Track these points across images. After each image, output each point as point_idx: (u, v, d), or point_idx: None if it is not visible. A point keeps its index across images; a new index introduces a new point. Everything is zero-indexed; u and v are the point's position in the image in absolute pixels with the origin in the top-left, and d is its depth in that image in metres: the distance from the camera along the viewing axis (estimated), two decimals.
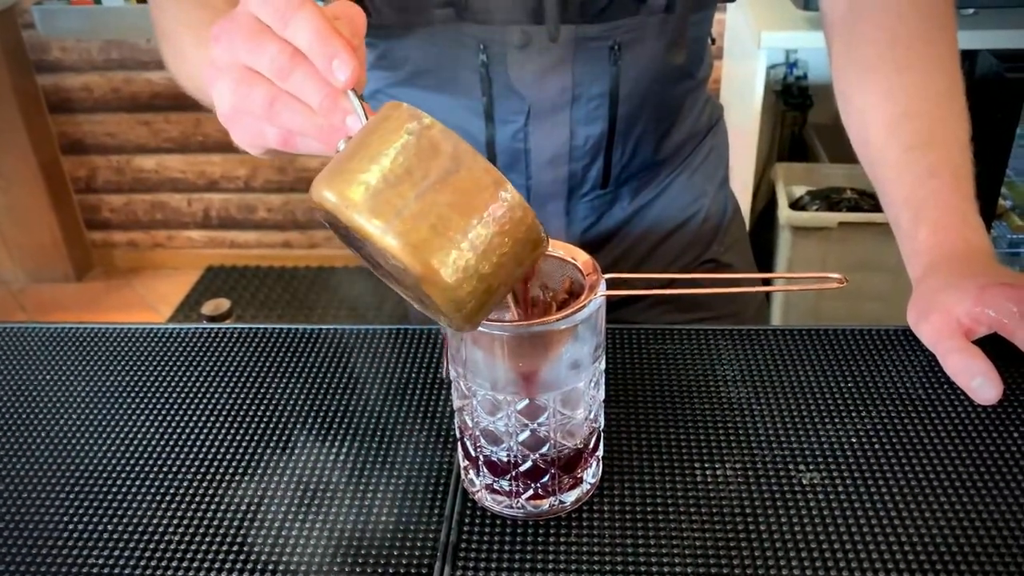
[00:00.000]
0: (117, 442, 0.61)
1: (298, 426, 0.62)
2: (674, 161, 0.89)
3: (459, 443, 0.54)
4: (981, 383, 0.59)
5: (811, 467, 0.57)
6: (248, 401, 0.65)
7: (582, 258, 0.51)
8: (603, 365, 0.52)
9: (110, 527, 0.54)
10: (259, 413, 0.63)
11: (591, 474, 0.54)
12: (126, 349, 0.71)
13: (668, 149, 0.87)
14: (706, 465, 0.57)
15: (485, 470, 0.52)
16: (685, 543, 0.52)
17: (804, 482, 0.56)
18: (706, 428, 0.60)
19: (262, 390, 0.66)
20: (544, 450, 0.51)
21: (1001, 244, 2.01)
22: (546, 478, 0.52)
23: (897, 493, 0.54)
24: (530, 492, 0.52)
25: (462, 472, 0.56)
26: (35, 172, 2.53)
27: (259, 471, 0.58)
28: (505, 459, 0.51)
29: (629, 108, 0.79)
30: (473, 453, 0.52)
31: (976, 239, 0.66)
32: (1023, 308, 0.59)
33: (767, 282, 0.68)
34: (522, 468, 0.51)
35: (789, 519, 0.53)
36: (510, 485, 0.52)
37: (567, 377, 0.49)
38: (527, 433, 0.50)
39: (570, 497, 0.53)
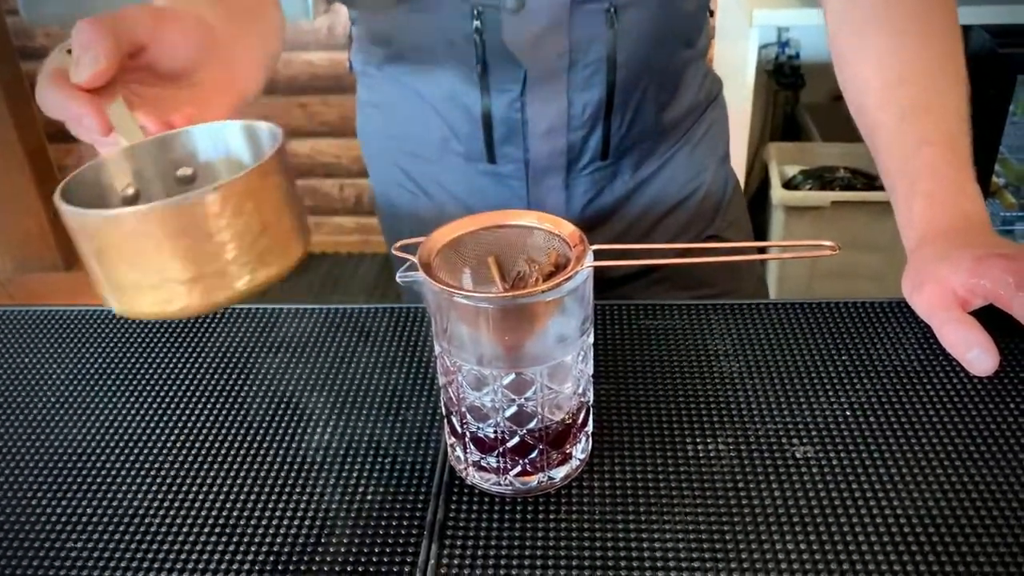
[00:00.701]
0: (97, 425, 0.60)
1: (283, 405, 0.61)
2: (675, 134, 0.87)
3: (445, 420, 0.53)
4: (977, 354, 0.58)
5: (804, 441, 0.56)
6: (232, 381, 0.63)
7: (567, 230, 0.50)
8: (591, 339, 0.51)
9: (90, 510, 0.53)
10: (244, 393, 0.62)
11: (580, 450, 0.53)
12: (106, 331, 0.69)
13: (668, 121, 0.85)
14: (698, 440, 0.56)
15: (472, 447, 0.51)
16: (677, 519, 0.51)
17: (797, 456, 0.55)
18: (698, 403, 0.59)
19: (247, 370, 0.64)
20: (532, 425, 0.49)
21: (995, 221, 2.00)
22: (534, 454, 0.51)
23: (892, 466, 0.53)
24: (518, 469, 0.51)
25: (449, 449, 0.55)
26: (21, 160, 2.50)
27: (243, 451, 0.57)
28: (492, 435, 0.50)
29: (627, 74, 0.77)
30: (459, 430, 0.51)
31: (972, 209, 0.65)
32: (1019, 279, 0.58)
33: (761, 251, 0.67)
34: (509, 444, 0.50)
35: (783, 493, 0.52)
36: (498, 462, 0.51)
37: (554, 351, 0.48)
38: (514, 408, 0.49)
39: (559, 473, 0.52)
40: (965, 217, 0.64)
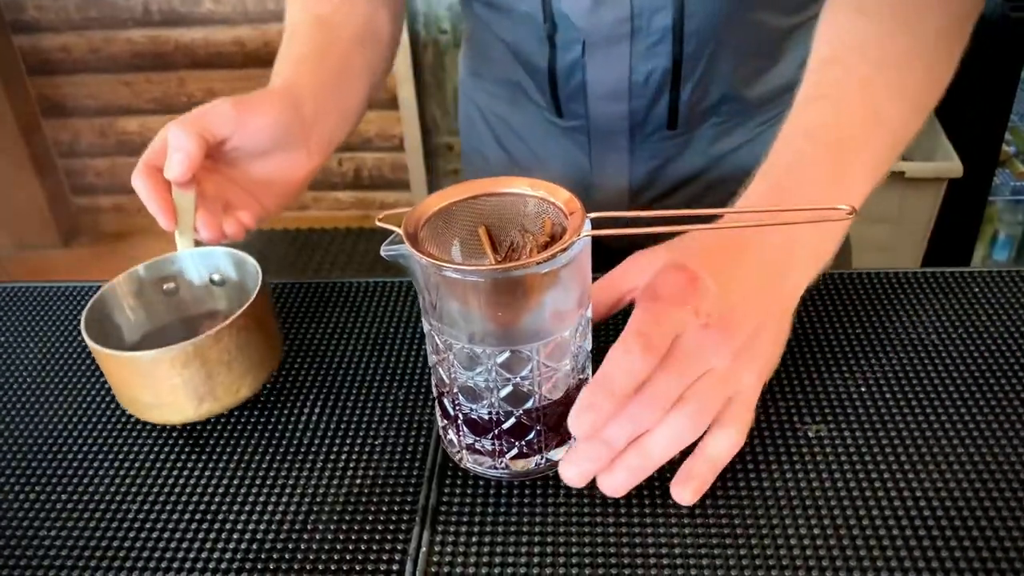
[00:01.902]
0: (73, 403, 0.57)
1: (268, 385, 0.58)
2: (768, 110, 0.78)
3: (436, 402, 0.50)
4: None
5: (817, 419, 0.53)
6: None
7: (563, 196, 0.47)
8: (590, 313, 0.48)
9: (58, 491, 0.51)
10: None
11: None
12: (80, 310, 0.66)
13: (758, 95, 0.77)
14: None
15: (465, 429, 0.48)
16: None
17: (810, 435, 0.52)
18: None
19: None
20: (528, 405, 0.47)
21: (1004, 191, 1.96)
22: (531, 435, 0.48)
23: (911, 444, 0.51)
24: (514, 451, 0.48)
25: (440, 433, 0.52)
26: (16, 137, 2.47)
27: (227, 432, 0.54)
28: (486, 416, 0.47)
29: (699, 45, 0.70)
30: (452, 411, 0.48)
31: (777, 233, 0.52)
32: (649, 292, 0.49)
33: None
34: (505, 426, 0.47)
35: (795, 473, 0.49)
36: (493, 444, 0.48)
37: (551, 326, 0.45)
38: (509, 388, 0.46)
39: (558, 455, 0.49)
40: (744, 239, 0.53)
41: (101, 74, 2.46)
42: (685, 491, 0.47)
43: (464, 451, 0.50)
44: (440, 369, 0.47)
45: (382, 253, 0.45)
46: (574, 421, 0.45)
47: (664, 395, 0.46)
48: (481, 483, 0.50)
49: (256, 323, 0.54)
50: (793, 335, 0.59)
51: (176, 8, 2.33)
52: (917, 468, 0.49)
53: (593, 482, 0.47)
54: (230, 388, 0.53)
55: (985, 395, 0.54)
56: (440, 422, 0.51)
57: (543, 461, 0.49)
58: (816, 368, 0.56)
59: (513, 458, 0.49)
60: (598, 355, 0.55)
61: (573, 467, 0.46)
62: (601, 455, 0.46)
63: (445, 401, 0.49)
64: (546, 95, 0.77)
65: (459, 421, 0.48)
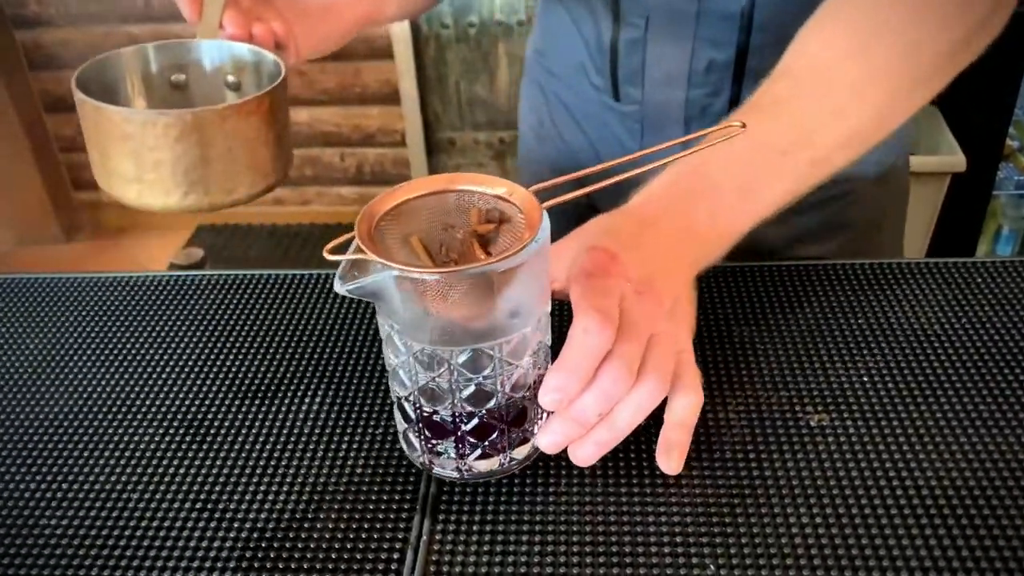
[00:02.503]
0: (74, 393, 0.57)
1: (269, 375, 0.58)
2: None
3: (395, 407, 0.49)
4: None
5: (819, 408, 0.53)
6: (219, 351, 0.60)
7: (517, 192, 0.46)
8: (549, 307, 0.47)
9: (59, 480, 0.50)
10: (232, 364, 0.59)
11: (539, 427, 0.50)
12: (92, 299, 0.66)
13: None
14: (707, 409, 0.53)
15: (427, 433, 0.47)
16: (684, 492, 0.48)
17: (812, 424, 0.52)
18: (707, 369, 0.56)
19: (233, 339, 0.61)
20: (491, 404, 0.46)
21: (1007, 186, 1.95)
22: (494, 435, 0.47)
23: (913, 434, 0.50)
24: (478, 452, 0.48)
25: (400, 438, 0.51)
26: (18, 132, 2.47)
27: (228, 423, 0.54)
28: (449, 418, 0.46)
29: (767, 39, 0.68)
30: (412, 415, 0.47)
31: (667, 223, 0.54)
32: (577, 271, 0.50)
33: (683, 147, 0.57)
34: (467, 427, 0.46)
35: (796, 463, 0.49)
36: (456, 447, 0.47)
37: (513, 323, 0.44)
38: (472, 388, 0.45)
39: (521, 453, 0.49)
40: (645, 222, 0.54)
41: None
42: (670, 461, 0.49)
43: (426, 455, 0.49)
44: (400, 372, 0.46)
45: (342, 290, 0.43)
46: (543, 398, 0.46)
47: (628, 365, 0.46)
48: None
49: (269, 115, 0.47)
50: (795, 324, 0.59)
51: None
52: (920, 457, 0.49)
53: (594, 472, 0.47)
54: (224, 182, 0.47)
55: (988, 385, 0.53)
56: (400, 427, 0.50)
57: (507, 461, 0.49)
58: (819, 357, 0.56)
59: (477, 459, 0.48)
60: (556, 348, 0.55)
61: (547, 437, 0.47)
62: (572, 431, 0.47)
63: (406, 405, 0.48)
64: (605, 75, 0.76)
65: (420, 425, 0.47)
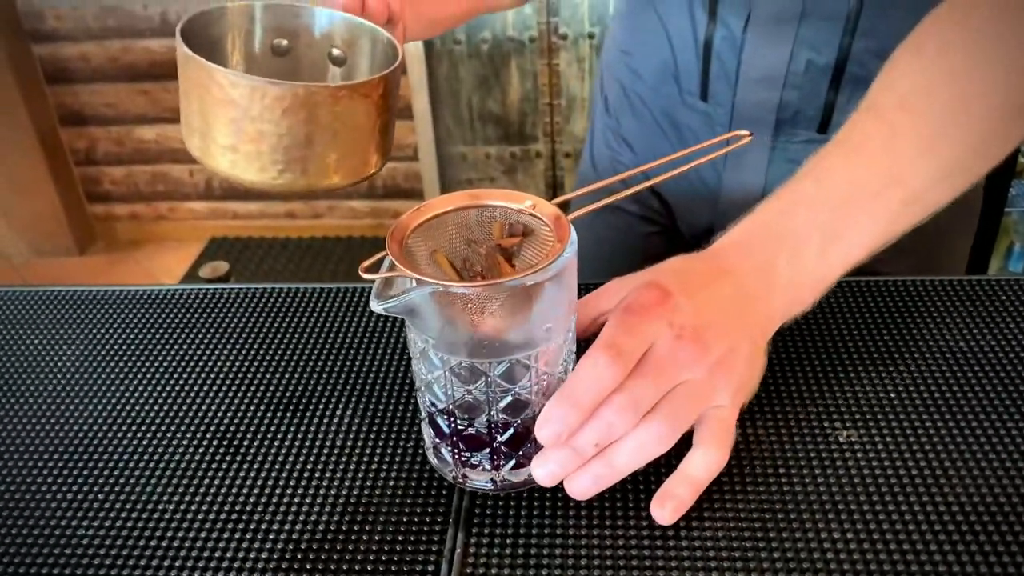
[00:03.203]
0: (107, 406, 0.58)
1: (301, 389, 0.59)
2: None
3: (425, 422, 0.50)
4: None
5: (848, 424, 0.53)
6: (249, 364, 0.61)
7: (525, 201, 0.47)
8: (575, 316, 0.48)
9: (95, 491, 0.51)
10: (261, 377, 0.60)
11: None
12: (118, 312, 0.67)
13: None
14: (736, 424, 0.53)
15: (462, 446, 0.48)
16: (716, 505, 0.48)
17: (841, 440, 0.52)
18: None
19: (264, 352, 0.62)
20: (526, 414, 0.47)
21: (1020, 203, 1.95)
22: (528, 444, 0.48)
23: (942, 450, 0.51)
24: (512, 462, 0.48)
25: (429, 453, 0.51)
26: (34, 144, 2.49)
27: (260, 436, 0.55)
28: (484, 430, 0.47)
29: (869, 44, 0.66)
30: (447, 429, 0.48)
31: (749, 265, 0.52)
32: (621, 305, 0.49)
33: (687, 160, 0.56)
34: (502, 437, 0.47)
35: (826, 479, 0.49)
36: (491, 458, 0.48)
37: (549, 332, 0.45)
38: (508, 398, 0.46)
39: None
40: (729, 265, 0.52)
41: (119, 83, 2.48)
42: (664, 511, 0.47)
43: (458, 468, 0.49)
44: (435, 386, 0.47)
45: (379, 309, 0.42)
46: (539, 432, 0.45)
47: (635, 402, 0.45)
48: None
49: (381, 101, 0.44)
50: (822, 340, 0.59)
51: None
52: (949, 474, 0.49)
53: (624, 486, 0.47)
54: (323, 166, 0.44)
55: (1016, 402, 0.54)
56: (429, 443, 0.51)
57: None
58: (846, 373, 0.57)
59: (511, 469, 0.49)
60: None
61: (541, 468, 0.46)
62: (569, 461, 0.46)
63: (438, 419, 0.48)
64: (694, 74, 0.74)
65: (454, 438, 0.48)
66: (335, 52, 0.50)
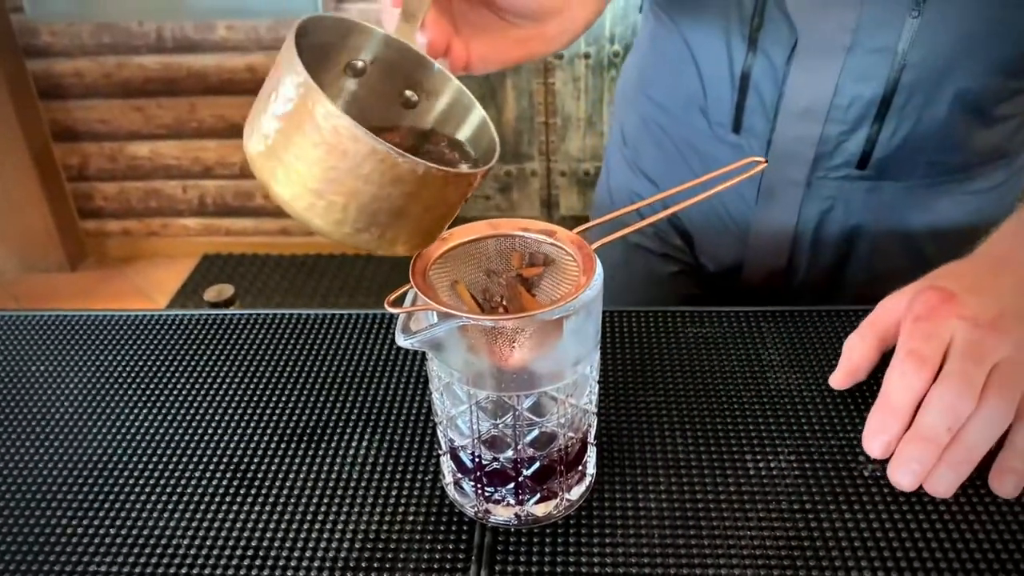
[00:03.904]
0: (117, 435, 0.56)
1: (316, 419, 0.58)
2: (963, 178, 0.73)
3: (446, 457, 0.49)
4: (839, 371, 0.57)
5: (872, 457, 0.52)
6: (261, 393, 0.60)
7: (545, 230, 0.47)
8: (599, 347, 0.48)
9: (106, 524, 0.50)
10: (270, 405, 0.59)
11: (592, 464, 0.50)
12: (124, 337, 0.66)
13: (962, 156, 0.72)
14: (759, 456, 0.53)
15: (485, 480, 0.47)
16: (743, 541, 0.47)
17: (866, 474, 0.51)
18: (755, 416, 0.56)
19: (275, 381, 0.61)
20: (552, 447, 0.46)
21: None
22: (552, 478, 0.47)
23: (978, 481, 0.50)
24: (537, 497, 0.48)
25: (451, 490, 0.50)
26: (26, 160, 2.47)
27: (274, 467, 0.54)
28: (511, 465, 0.46)
29: (916, 79, 0.65)
30: (471, 464, 0.47)
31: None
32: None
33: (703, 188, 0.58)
34: (528, 471, 0.46)
35: (853, 515, 0.49)
36: (516, 493, 0.47)
37: (574, 364, 0.44)
38: (535, 432, 0.45)
39: (575, 494, 0.49)
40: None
41: (113, 99, 2.47)
42: (1005, 484, 0.49)
43: (481, 503, 0.48)
44: (459, 421, 0.46)
45: (405, 344, 0.42)
46: (868, 445, 0.51)
47: (968, 381, 0.48)
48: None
49: (470, 190, 0.43)
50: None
51: (189, 35, 2.34)
52: (977, 508, 0.49)
53: (649, 520, 0.47)
54: (400, 234, 0.41)
55: None
56: (449, 478, 0.50)
57: (562, 503, 0.48)
58: (868, 405, 0.56)
59: (535, 503, 0.48)
60: (647, 391, 0.55)
61: (903, 471, 0.49)
62: (927, 454, 0.48)
63: (461, 454, 0.47)
64: (727, 105, 0.73)
65: (478, 473, 0.47)
66: (409, 95, 0.47)
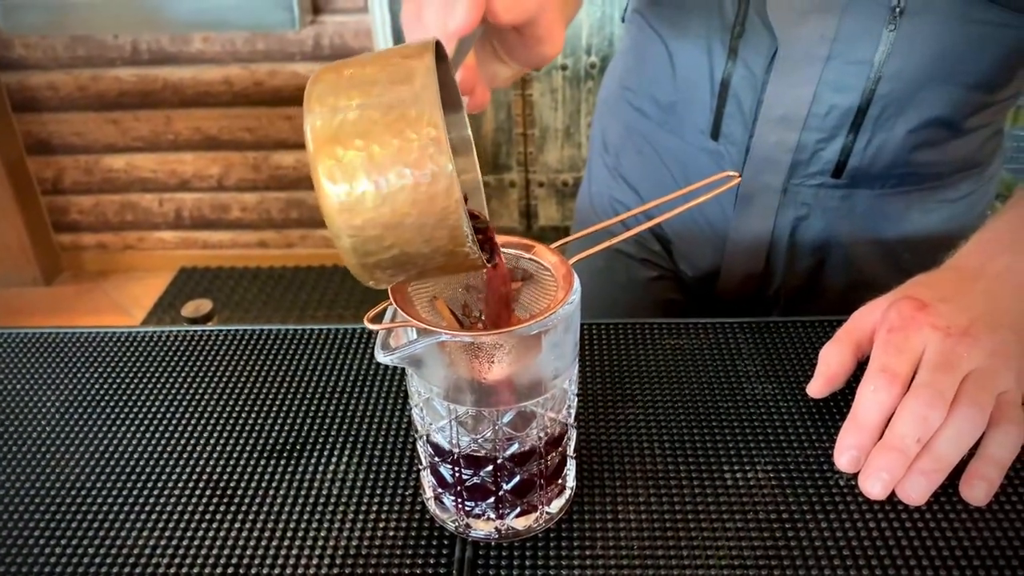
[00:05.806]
0: (95, 454, 0.56)
1: (295, 435, 0.58)
2: (936, 187, 0.76)
3: (426, 472, 0.49)
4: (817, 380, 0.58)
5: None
6: (240, 409, 0.60)
7: (523, 246, 0.47)
8: (577, 360, 0.48)
9: (84, 544, 0.49)
10: (249, 421, 0.59)
11: (571, 477, 0.51)
12: (100, 354, 0.66)
13: (934, 165, 0.74)
14: (735, 469, 0.53)
15: (465, 495, 0.47)
16: (722, 552, 0.48)
17: (842, 483, 0.52)
18: (732, 427, 0.56)
19: (254, 397, 0.61)
20: (532, 461, 0.46)
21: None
22: (533, 491, 0.47)
23: (950, 489, 0.51)
24: (517, 510, 0.48)
25: (431, 504, 0.50)
26: (0, 174, 2.45)
27: (254, 485, 0.54)
28: (490, 479, 0.46)
29: (892, 91, 0.67)
30: (450, 479, 0.47)
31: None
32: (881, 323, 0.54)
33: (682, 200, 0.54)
34: (508, 485, 0.47)
35: (829, 523, 0.49)
36: (497, 507, 0.47)
37: (554, 378, 0.45)
38: (515, 446, 0.45)
39: (555, 507, 0.49)
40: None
41: (88, 112, 2.45)
42: (974, 491, 0.49)
43: (461, 517, 0.48)
44: (438, 436, 0.46)
45: (385, 360, 0.42)
46: (839, 460, 0.51)
47: (939, 392, 0.49)
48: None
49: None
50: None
51: (165, 48, 2.33)
52: (959, 512, 0.49)
53: (629, 533, 0.47)
54: (395, 279, 0.40)
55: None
56: (429, 493, 0.50)
57: (542, 516, 0.49)
58: (844, 414, 0.57)
59: (515, 517, 0.48)
60: (625, 403, 0.55)
61: (872, 481, 0.50)
62: (897, 464, 0.49)
63: (441, 469, 0.47)
64: (706, 112, 0.74)
65: (458, 487, 0.47)
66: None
